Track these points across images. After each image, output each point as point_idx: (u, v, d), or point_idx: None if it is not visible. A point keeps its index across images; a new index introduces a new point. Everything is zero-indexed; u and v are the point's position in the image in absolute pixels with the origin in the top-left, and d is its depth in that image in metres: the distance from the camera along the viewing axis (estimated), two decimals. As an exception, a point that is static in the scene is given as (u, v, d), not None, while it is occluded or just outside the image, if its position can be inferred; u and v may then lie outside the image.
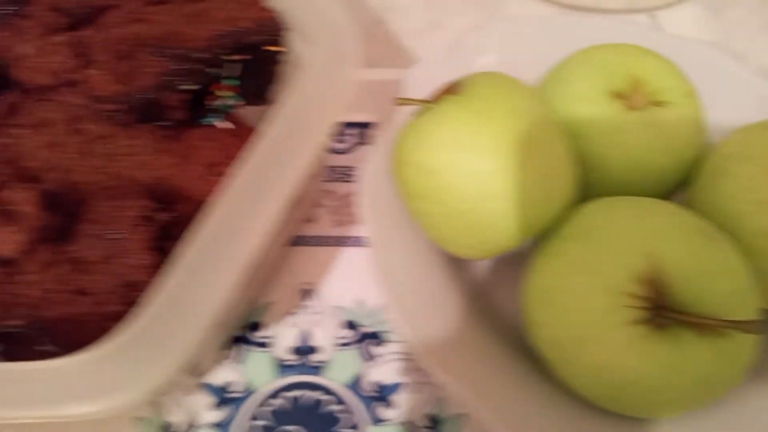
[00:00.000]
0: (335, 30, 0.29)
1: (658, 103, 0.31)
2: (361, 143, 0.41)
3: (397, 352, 0.33)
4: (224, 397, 0.32)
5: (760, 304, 0.26)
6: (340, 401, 0.32)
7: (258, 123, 0.33)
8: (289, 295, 0.35)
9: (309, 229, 0.37)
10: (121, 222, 0.26)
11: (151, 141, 0.28)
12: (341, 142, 0.41)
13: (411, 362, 0.33)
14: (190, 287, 0.22)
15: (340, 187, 0.39)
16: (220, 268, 0.23)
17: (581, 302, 0.25)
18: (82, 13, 0.27)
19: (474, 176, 0.26)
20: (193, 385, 0.32)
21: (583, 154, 0.30)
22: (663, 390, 0.24)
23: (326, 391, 0.32)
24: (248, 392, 0.32)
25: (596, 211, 0.27)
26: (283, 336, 0.34)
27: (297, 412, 0.32)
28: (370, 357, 0.33)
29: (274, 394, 0.32)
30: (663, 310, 0.24)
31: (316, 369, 0.33)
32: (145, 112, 0.27)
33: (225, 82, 0.29)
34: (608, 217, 0.27)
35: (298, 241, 0.36)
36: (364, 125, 0.41)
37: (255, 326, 0.34)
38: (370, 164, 0.32)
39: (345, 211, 0.38)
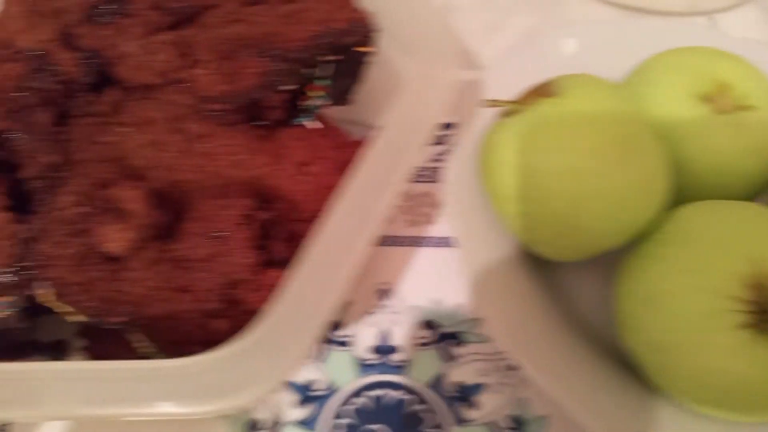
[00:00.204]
0: (431, 33, 0.29)
1: (743, 107, 0.31)
2: (434, 143, 0.40)
3: (478, 353, 0.33)
4: (308, 395, 0.32)
5: None
6: (423, 401, 0.32)
7: (341, 123, 0.33)
8: (366, 294, 0.35)
9: (384, 230, 0.37)
10: (225, 220, 0.26)
11: (247, 140, 0.28)
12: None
13: (492, 363, 0.33)
14: (311, 288, 0.22)
15: (413, 188, 0.39)
16: (337, 270, 0.23)
17: (685, 305, 0.25)
18: (182, 12, 0.28)
19: (577, 177, 0.26)
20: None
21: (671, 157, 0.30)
22: (768, 395, 0.24)
23: (408, 390, 0.32)
24: (331, 390, 0.32)
25: (696, 214, 0.27)
26: (363, 335, 0.34)
27: (380, 411, 0.32)
28: (449, 357, 0.33)
29: (357, 393, 0.32)
30: (768, 314, 0.24)
31: (396, 368, 0.33)
32: (247, 113, 0.27)
33: (317, 83, 0.30)
34: (710, 220, 0.27)
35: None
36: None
37: (335, 325, 0.34)
38: (453, 165, 0.33)
39: (419, 211, 0.38)
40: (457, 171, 0.32)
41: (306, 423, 0.31)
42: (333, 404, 0.32)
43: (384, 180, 0.25)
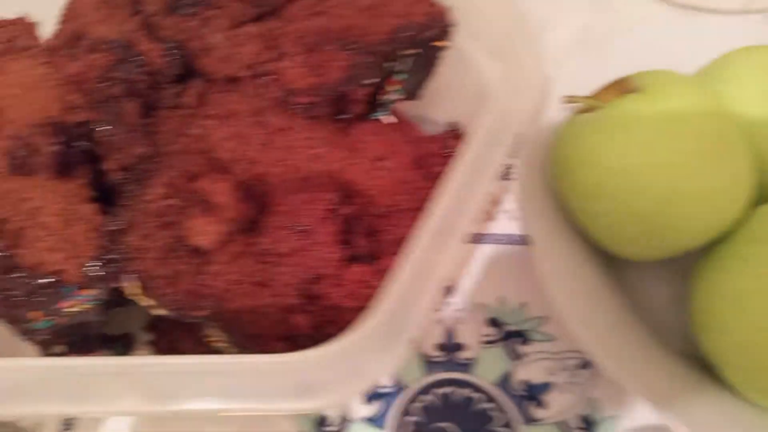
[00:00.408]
0: (505, 27, 0.29)
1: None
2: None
3: (544, 352, 0.33)
4: (375, 393, 0.32)
5: None
6: (491, 399, 0.32)
7: (414, 117, 0.33)
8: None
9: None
10: (310, 215, 0.26)
11: (325, 134, 0.28)
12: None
13: (560, 362, 0.33)
14: (413, 287, 0.22)
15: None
16: (435, 269, 0.23)
17: (774, 306, 0.25)
18: (265, 4, 0.27)
19: (672, 175, 0.26)
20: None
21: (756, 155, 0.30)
22: None
23: (475, 388, 0.32)
24: (398, 388, 0.32)
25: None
26: (428, 332, 0.34)
27: (448, 409, 0.32)
28: (516, 356, 0.33)
29: (424, 391, 0.32)
30: None
31: (463, 366, 0.33)
32: (333, 106, 0.27)
33: (395, 77, 0.29)
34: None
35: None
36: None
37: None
38: (524, 163, 0.32)
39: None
40: (528, 168, 0.32)
41: (374, 420, 0.31)
42: (401, 402, 0.32)
43: (477, 179, 0.24)
